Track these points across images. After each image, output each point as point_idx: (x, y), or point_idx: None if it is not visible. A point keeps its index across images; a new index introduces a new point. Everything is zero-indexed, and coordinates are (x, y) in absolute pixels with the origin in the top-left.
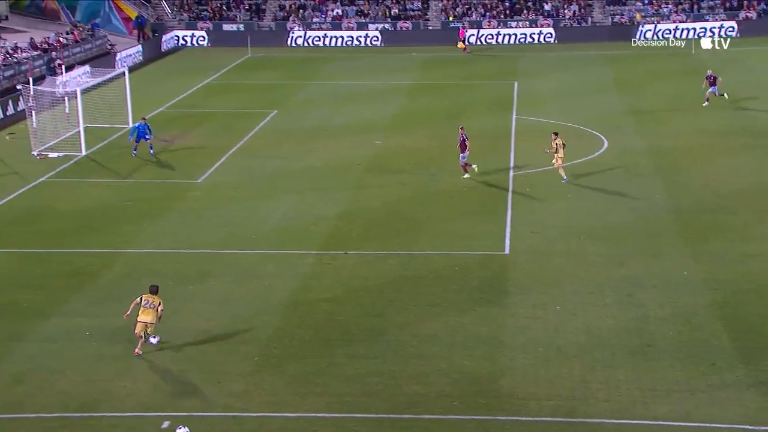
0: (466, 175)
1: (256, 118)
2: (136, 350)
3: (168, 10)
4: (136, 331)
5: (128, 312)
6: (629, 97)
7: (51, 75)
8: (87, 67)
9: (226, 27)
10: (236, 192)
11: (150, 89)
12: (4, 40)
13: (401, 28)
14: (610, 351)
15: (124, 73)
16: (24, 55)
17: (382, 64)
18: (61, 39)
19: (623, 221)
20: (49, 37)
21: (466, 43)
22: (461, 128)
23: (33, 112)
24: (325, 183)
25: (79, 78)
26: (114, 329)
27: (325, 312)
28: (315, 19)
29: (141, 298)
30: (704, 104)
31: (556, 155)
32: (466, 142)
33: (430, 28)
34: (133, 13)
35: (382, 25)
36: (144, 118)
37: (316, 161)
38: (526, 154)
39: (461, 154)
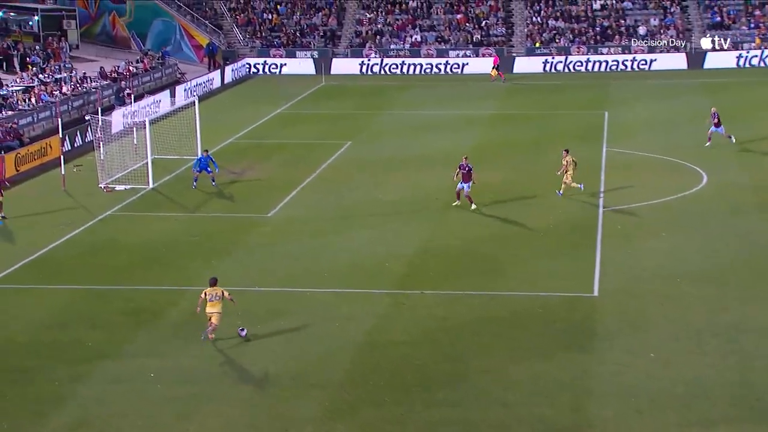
0: (473, 207)
1: (330, 149)
2: (209, 336)
3: (240, 36)
4: (208, 320)
5: (198, 308)
6: (731, 128)
7: (120, 105)
8: (156, 96)
9: (300, 54)
10: (308, 227)
11: (220, 119)
12: (75, 69)
13: (483, 54)
14: (711, 403)
15: (194, 102)
16: (93, 84)
17: (462, 92)
18: (130, 68)
19: (725, 262)
20: (118, 66)
21: (498, 71)
22: (465, 158)
23: (101, 143)
24: (401, 218)
25: (147, 108)
26: (179, 370)
27: (401, 355)
28: (392, 46)
29: (205, 293)
30: (707, 144)
31: (566, 173)
32: (472, 172)
33: (514, 54)
34: (204, 40)
35: (463, 51)
36: (206, 150)
37: (391, 195)
38: (616, 188)
39: (465, 184)
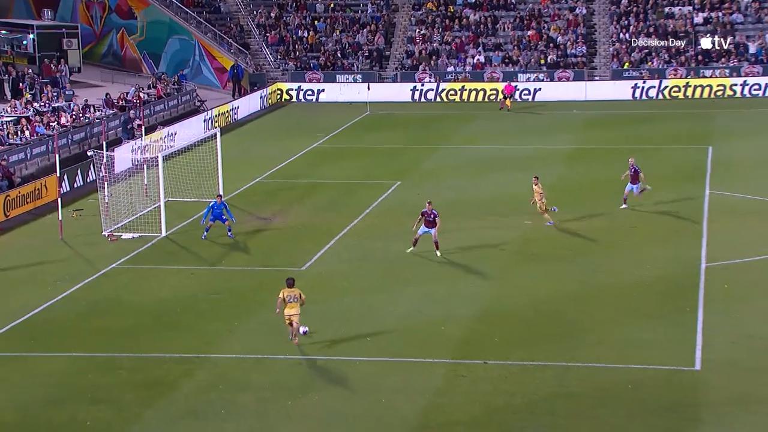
0: (438, 254)
1: (375, 190)
2: (293, 340)
3: (270, 58)
4: (286, 323)
5: (278, 309)
6: None
7: (128, 138)
8: (171, 128)
9: (341, 78)
10: (349, 282)
11: (246, 155)
12: (76, 96)
13: (560, 78)
14: None
15: (215, 134)
16: (97, 114)
17: (534, 123)
18: (141, 94)
19: None
20: (127, 93)
21: (509, 101)
22: (429, 203)
23: (105, 183)
24: (460, 273)
25: (161, 141)
26: None
27: None
28: (450, 68)
29: (283, 294)
30: (622, 207)
31: (539, 202)
32: (437, 220)
33: (597, 78)
34: (228, 62)
35: (535, 74)
36: (220, 196)
37: (449, 245)
38: (723, 239)
39: (430, 230)
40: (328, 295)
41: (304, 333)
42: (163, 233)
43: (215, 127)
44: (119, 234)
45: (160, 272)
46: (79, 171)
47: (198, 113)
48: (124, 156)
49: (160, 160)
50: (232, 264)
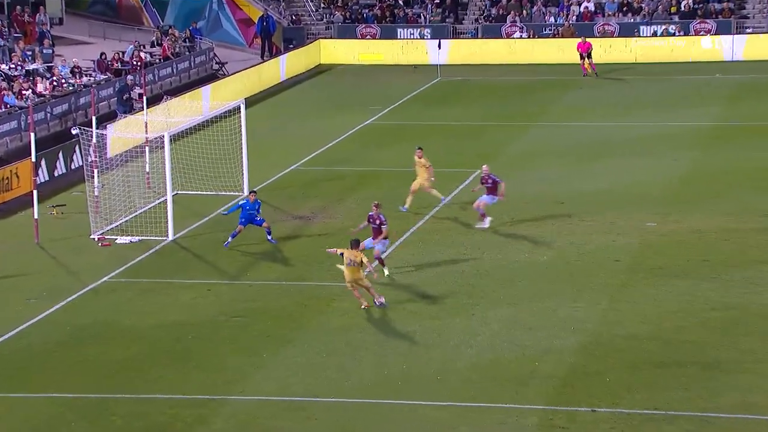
0: (386, 271)
1: (447, 181)
2: (373, 298)
3: (311, 7)
4: (348, 288)
5: (333, 250)
6: None
7: (125, 112)
8: (182, 99)
9: (403, 33)
10: (412, 302)
11: (279, 134)
12: (57, 56)
13: (697, 31)
14: None
15: (239, 107)
16: (85, 80)
17: (660, 92)
18: (142, 54)
19: None
20: (123, 52)
21: (590, 61)
22: (376, 205)
23: (95, 171)
24: (559, 290)
25: (167, 117)
26: None
27: None
28: (549, 18)
29: (343, 257)
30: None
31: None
32: (384, 227)
33: (749, 31)
34: (256, 12)
35: (663, 26)
36: (254, 192)
37: (542, 254)
38: None
39: (377, 243)
40: (385, 317)
41: (381, 305)
42: (170, 237)
43: (239, 99)
44: (113, 237)
45: (166, 288)
46: (60, 154)
47: (216, 79)
48: (119, 135)
49: (166, 140)
50: (261, 277)
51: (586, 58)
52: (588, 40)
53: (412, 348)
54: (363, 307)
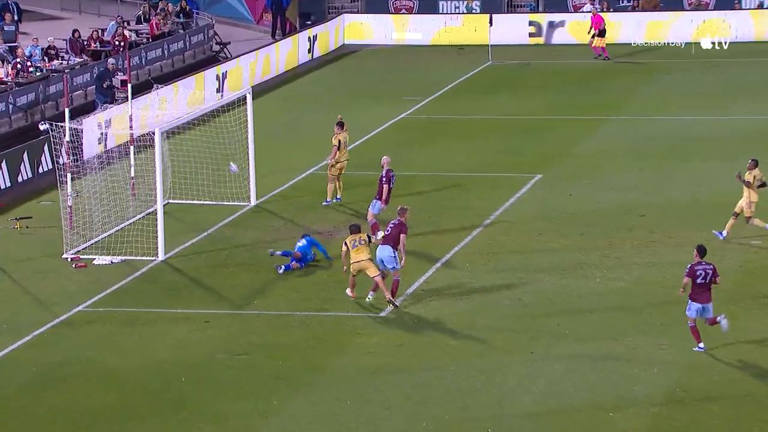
0: (390, 300)
1: (500, 189)
2: (386, 297)
3: None
4: (352, 273)
5: (345, 267)
6: None
7: (105, 103)
8: (175, 87)
9: (445, 6)
10: (456, 339)
11: (294, 131)
12: (22, 35)
13: None
14: None
15: (244, 98)
16: (56, 63)
17: (765, 78)
18: (126, 32)
19: None
20: (104, 30)
21: (601, 40)
22: (402, 211)
23: (68, 175)
24: (638, 324)
25: (157, 109)
26: None
27: None
28: None
29: (346, 243)
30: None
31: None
32: (402, 235)
33: None
34: None
35: None
36: (308, 235)
37: (618, 279)
38: None
39: (390, 263)
40: (425, 354)
41: (391, 302)
42: (161, 256)
43: (245, 87)
44: (90, 257)
45: (154, 319)
46: (25, 155)
47: (217, 63)
48: (98, 132)
49: (157, 138)
50: (270, 306)
51: (596, 36)
52: (600, 14)
53: (456, 394)
54: (389, 301)
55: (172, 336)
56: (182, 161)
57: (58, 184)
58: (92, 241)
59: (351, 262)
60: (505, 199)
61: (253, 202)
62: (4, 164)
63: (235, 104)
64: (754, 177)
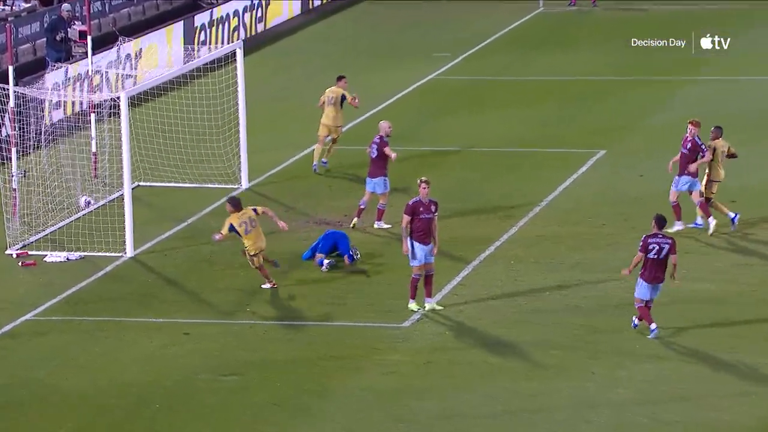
0: (432, 304)
1: (555, 167)
2: (269, 284)
3: None
4: (254, 266)
5: (217, 236)
6: None
7: (59, 60)
8: (144, 40)
9: None
10: (500, 355)
11: (295, 96)
12: None
13: None
14: None
15: (233, 54)
16: (3, 9)
17: None
18: None
19: None
20: None
21: None
22: (424, 182)
23: (12, 150)
24: (730, 337)
25: (123, 68)
26: None
27: None
28: None
29: (233, 223)
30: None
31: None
32: (434, 221)
33: None
34: None
35: None
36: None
37: (704, 281)
38: None
39: (429, 256)
40: (456, 378)
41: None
42: (129, 252)
43: (236, 42)
44: (40, 254)
45: (122, 330)
46: None
47: (198, 10)
48: (50, 96)
49: (123, 104)
50: (266, 315)
51: None
52: None
53: (496, 423)
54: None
55: (143, 351)
56: (155, 134)
57: (0, 162)
58: (43, 233)
59: (249, 251)
60: (559, 180)
61: (245, 184)
62: None
63: (221, 62)
64: (716, 149)
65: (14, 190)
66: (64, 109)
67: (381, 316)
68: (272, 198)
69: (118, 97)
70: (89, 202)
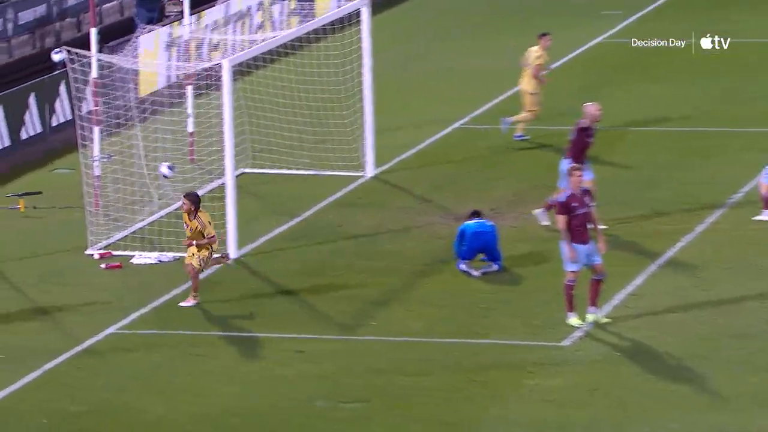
0: (597, 314)
1: (753, 150)
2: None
3: None
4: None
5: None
6: None
7: (150, 22)
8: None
9: None
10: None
11: (433, 63)
12: None
13: None
14: None
15: (357, 14)
16: None
17: None
18: None
19: None
20: None
21: None
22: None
23: (95, 129)
24: None
25: (225, 32)
26: None
27: None
28: None
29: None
30: None
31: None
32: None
33: None
34: None
35: None
36: (477, 213)
37: None
38: None
39: (593, 254)
40: (632, 409)
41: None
42: (233, 252)
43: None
44: (127, 254)
45: (223, 348)
46: (32, 99)
47: None
48: (139, 66)
49: (226, 74)
50: (395, 330)
51: None
52: None
53: None
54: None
55: (247, 372)
56: (263, 111)
57: (79, 143)
58: (130, 230)
59: (192, 263)
60: (759, 167)
61: (371, 171)
62: (1, 115)
63: (341, 24)
64: None
65: (97, 177)
66: (155, 81)
67: (535, 332)
68: (404, 188)
69: (219, 65)
70: (172, 168)
